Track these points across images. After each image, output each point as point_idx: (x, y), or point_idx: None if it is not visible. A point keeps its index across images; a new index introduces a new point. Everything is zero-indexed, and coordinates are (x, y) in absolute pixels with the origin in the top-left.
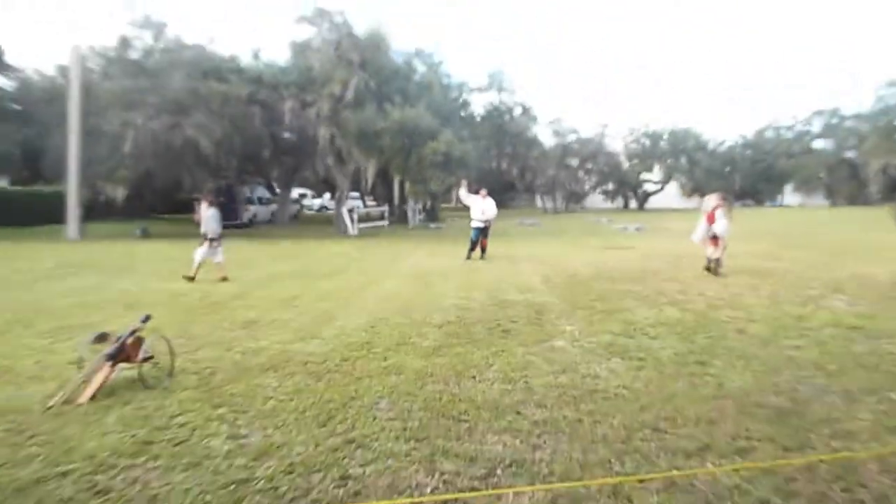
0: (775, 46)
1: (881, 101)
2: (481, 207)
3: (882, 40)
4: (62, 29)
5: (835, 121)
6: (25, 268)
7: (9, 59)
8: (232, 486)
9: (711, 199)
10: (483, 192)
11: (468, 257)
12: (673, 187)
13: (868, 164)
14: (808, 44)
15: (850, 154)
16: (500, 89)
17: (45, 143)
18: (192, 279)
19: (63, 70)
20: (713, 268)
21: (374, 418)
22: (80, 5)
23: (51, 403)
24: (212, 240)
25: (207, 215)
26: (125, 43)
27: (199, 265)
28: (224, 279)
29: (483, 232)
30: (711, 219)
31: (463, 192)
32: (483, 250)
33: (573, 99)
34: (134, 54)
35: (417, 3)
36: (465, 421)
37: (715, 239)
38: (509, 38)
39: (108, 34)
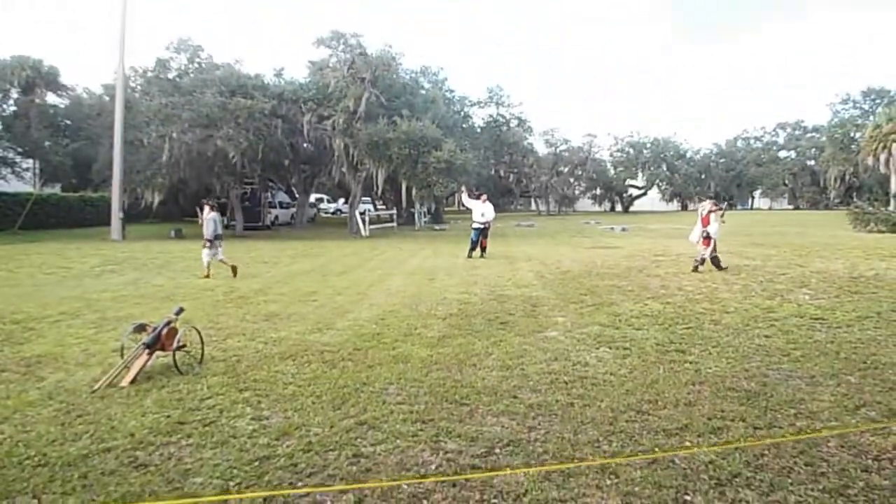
0: (748, 61)
1: (836, 116)
2: (481, 210)
3: (839, 58)
4: (107, 45)
5: (797, 132)
6: (74, 266)
7: (62, 79)
8: (256, 463)
9: (706, 204)
10: (483, 196)
11: (469, 256)
12: (655, 192)
13: (827, 172)
14: (777, 59)
15: (811, 163)
16: (499, 103)
17: (92, 153)
18: (206, 277)
19: (108, 88)
20: (712, 263)
21: (384, 402)
22: (125, 27)
23: (96, 386)
24: (208, 241)
25: (207, 219)
26: (163, 64)
27: (208, 264)
28: (233, 269)
29: (483, 233)
30: (706, 221)
31: (464, 197)
32: (483, 249)
33: (566, 107)
34: (170, 74)
35: (422, 8)
36: (467, 404)
37: (707, 239)
38: (506, 44)
39: (148, 55)
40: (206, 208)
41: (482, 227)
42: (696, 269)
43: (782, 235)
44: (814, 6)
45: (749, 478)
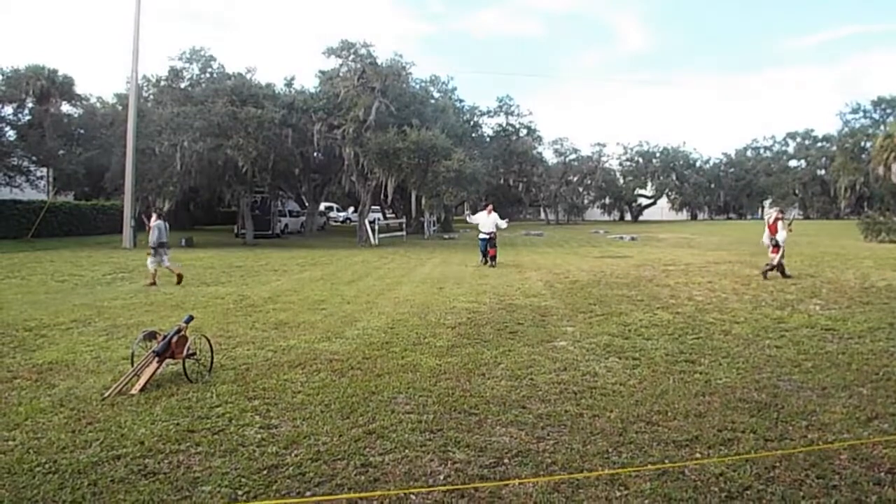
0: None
1: (846, 125)
2: (490, 221)
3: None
4: (121, 55)
5: (807, 142)
6: (86, 273)
7: (76, 88)
8: (264, 472)
9: (773, 213)
10: (489, 207)
11: (483, 263)
12: (664, 201)
13: (837, 182)
14: (787, 69)
15: (821, 172)
16: (508, 113)
17: (104, 162)
18: (153, 284)
19: (121, 98)
20: (776, 270)
21: (393, 411)
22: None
23: (107, 394)
24: (152, 248)
25: (152, 227)
26: (175, 73)
27: (155, 272)
28: (179, 276)
29: (490, 242)
30: (773, 230)
31: (468, 216)
32: (492, 258)
33: (575, 116)
34: (182, 84)
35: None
36: (475, 414)
37: (776, 246)
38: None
39: (161, 63)
40: (154, 216)
41: (488, 236)
42: (784, 275)
43: (793, 245)
44: (822, 20)
45: (760, 490)
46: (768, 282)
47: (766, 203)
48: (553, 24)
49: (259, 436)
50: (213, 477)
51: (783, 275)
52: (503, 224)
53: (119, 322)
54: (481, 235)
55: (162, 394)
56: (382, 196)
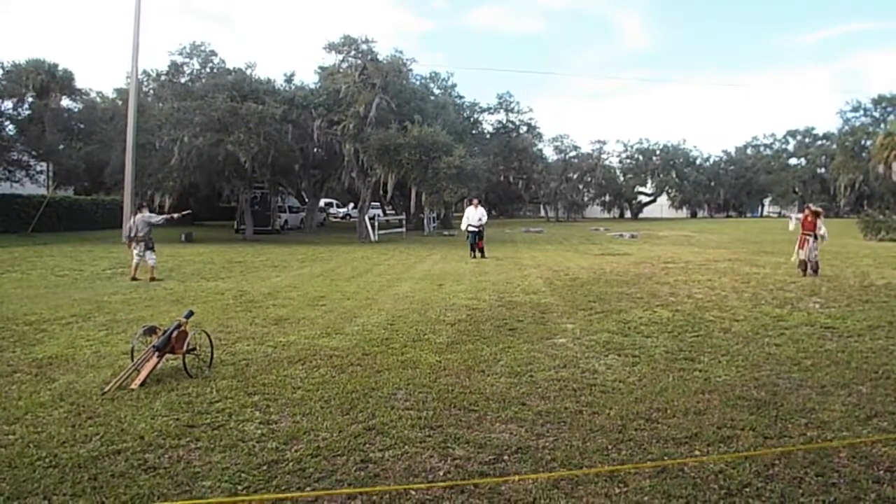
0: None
1: (847, 123)
2: (477, 215)
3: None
4: (121, 49)
5: (808, 140)
6: (85, 268)
7: (76, 83)
8: (264, 467)
9: (820, 222)
10: (475, 201)
11: (473, 257)
12: (664, 199)
13: (837, 180)
14: (787, 68)
15: (821, 170)
16: (508, 110)
17: (104, 157)
18: (153, 279)
19: (121, 93)
20: (817, 267)
21: (393, 408)
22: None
23: (106, 389)
24: (149, 239)
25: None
26: (176, 68)
27: (135, 266)
28: (153, 280)
29: (478, 235)
30: (811, 226)
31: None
32: (481, 251)
33: (575, 113)
34: (183, 79)
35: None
36: (475, 411)
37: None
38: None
39: (161, 58)
40: (146, 209)
41: (476, 230)
42: (815, 272)
43: (792, 243)
44: (822, 18)
45: (759, 488)
46: (769, 280)
47: (766, 201)
48: (554, 20)
49: (259, 431)
50: (213, 472)
51: (815, 271)
52: (483, 219)
53: (119, 317)
54: (470, 228)
55: (162, 389)
56: (382, 192)
